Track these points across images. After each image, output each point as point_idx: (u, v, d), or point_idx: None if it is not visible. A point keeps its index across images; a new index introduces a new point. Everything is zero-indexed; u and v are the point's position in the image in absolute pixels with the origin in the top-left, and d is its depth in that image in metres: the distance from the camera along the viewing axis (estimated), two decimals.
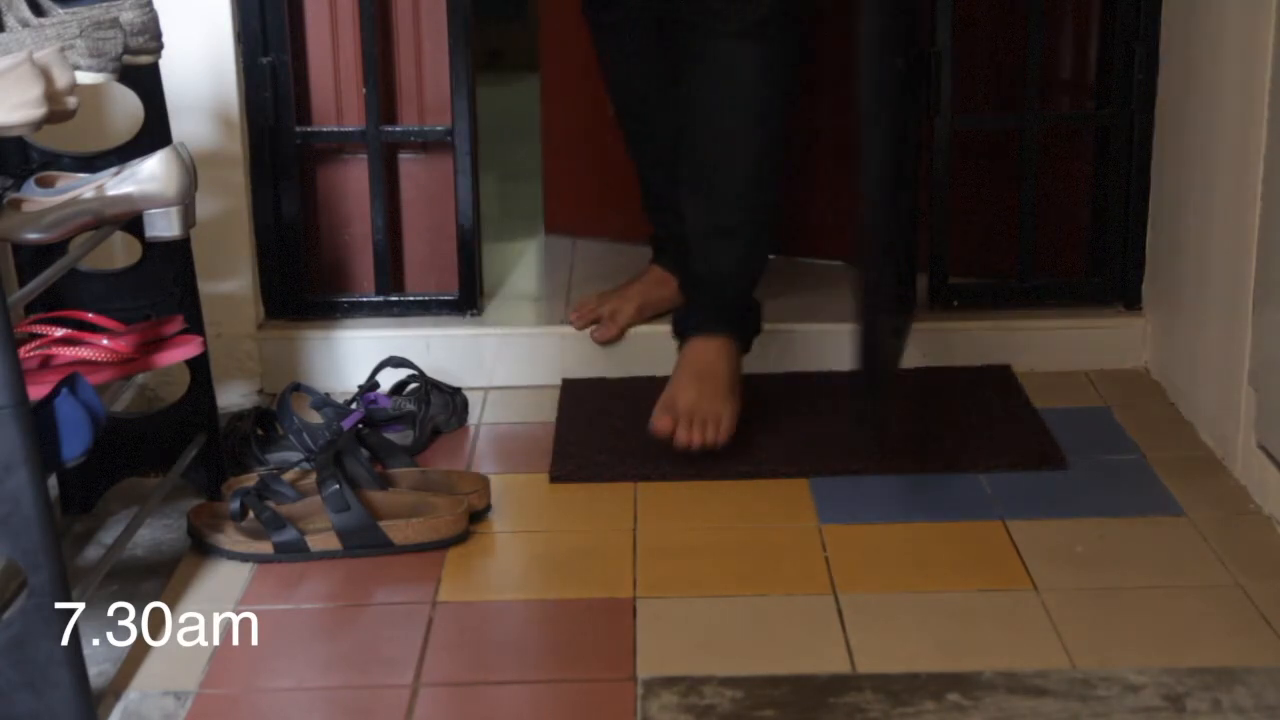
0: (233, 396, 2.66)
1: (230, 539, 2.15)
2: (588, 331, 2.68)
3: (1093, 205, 2.81)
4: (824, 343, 2.75)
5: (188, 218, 2.02)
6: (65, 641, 1.72)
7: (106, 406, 1.98)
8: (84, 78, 1.87)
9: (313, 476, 2.22)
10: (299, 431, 2.41)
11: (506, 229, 3.29)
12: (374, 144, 2.71)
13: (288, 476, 2.24)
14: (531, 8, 4.31)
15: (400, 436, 2.45)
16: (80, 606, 1.78)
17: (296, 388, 2.50)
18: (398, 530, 2.14)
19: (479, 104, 2.70)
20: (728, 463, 2.40)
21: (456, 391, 2.58)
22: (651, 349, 2.73)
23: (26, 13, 1.86)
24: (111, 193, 1.96)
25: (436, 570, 2.12)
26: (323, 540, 2.14)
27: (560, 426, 2.53)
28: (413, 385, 2.54)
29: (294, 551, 2.13)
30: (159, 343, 2.09)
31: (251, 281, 2.71)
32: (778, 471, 2.37)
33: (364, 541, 2.14)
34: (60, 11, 1.88)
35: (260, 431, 2.44)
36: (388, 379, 2.55)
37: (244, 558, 2.14)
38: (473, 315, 2.77)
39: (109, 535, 2.22)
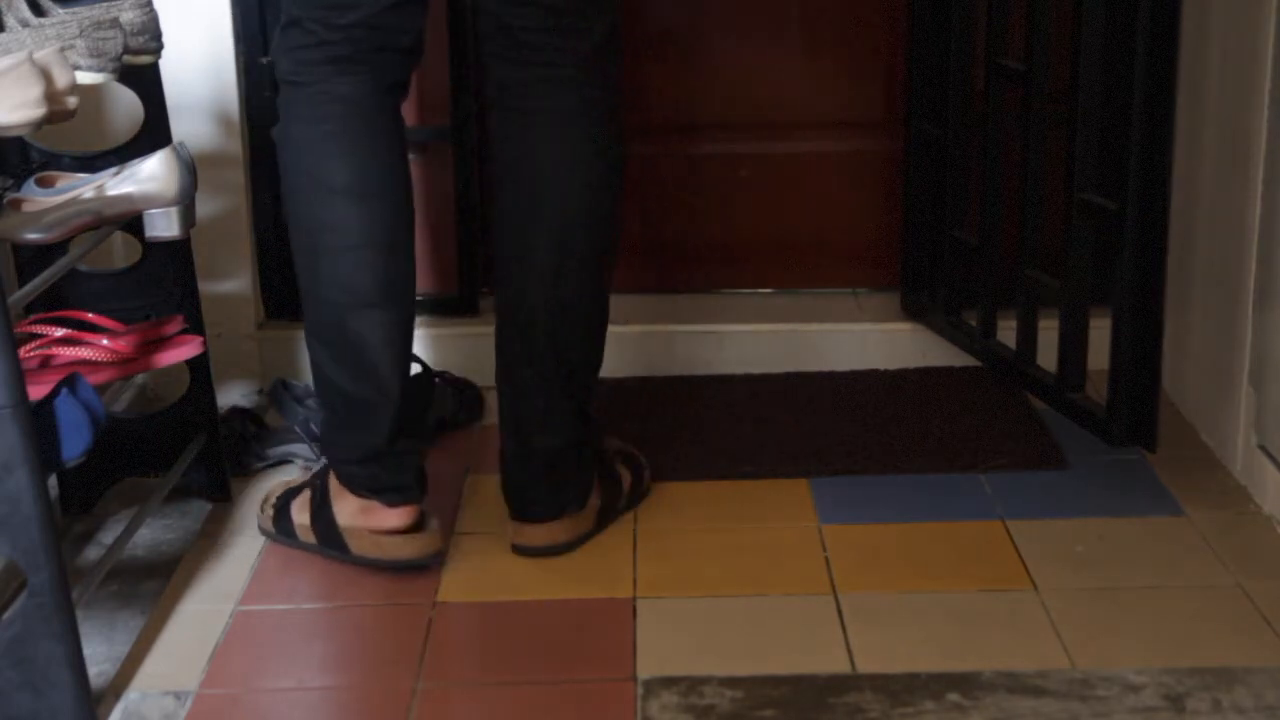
0: (233, 396, 2.66)
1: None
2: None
3: (1091, 205, 2.80)
4: (824, 343, 2.75)
5: (188, 218, 2.02)
6: (65, 641, 1.72)
7: (106, 406, 1.98)
8: (84, 78, 1.87)
9: None
10: (305, 422, 2.40)
11: None
12: None
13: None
14: None
15: None
16: (80, 607, 1.78)
17: (284, 384, 2.50)
18: (352, 537, 2.13)
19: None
20: (728, 463, 2.40)
21: (469, 386, 2.58)
22: (651, 349, 2.73)
23: (26, 13, 1.86)
24: (111, 193, 1.96)
25: (437, 570, 2.12)
26: (307, 532, 2.15)
27: None
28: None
29: (287, 536, 2.17)
30: (159, 343, 2.09)
31: (251, 281, 2.71)
32: (778, 471, 2.37)
33: (331, 543, 2.13)
34: (60, 11, 1.88)
35: (253, 428, 2.44)
36: None
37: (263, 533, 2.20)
38: (472, 315, 2.77)
39: (109, 535, 2.22)
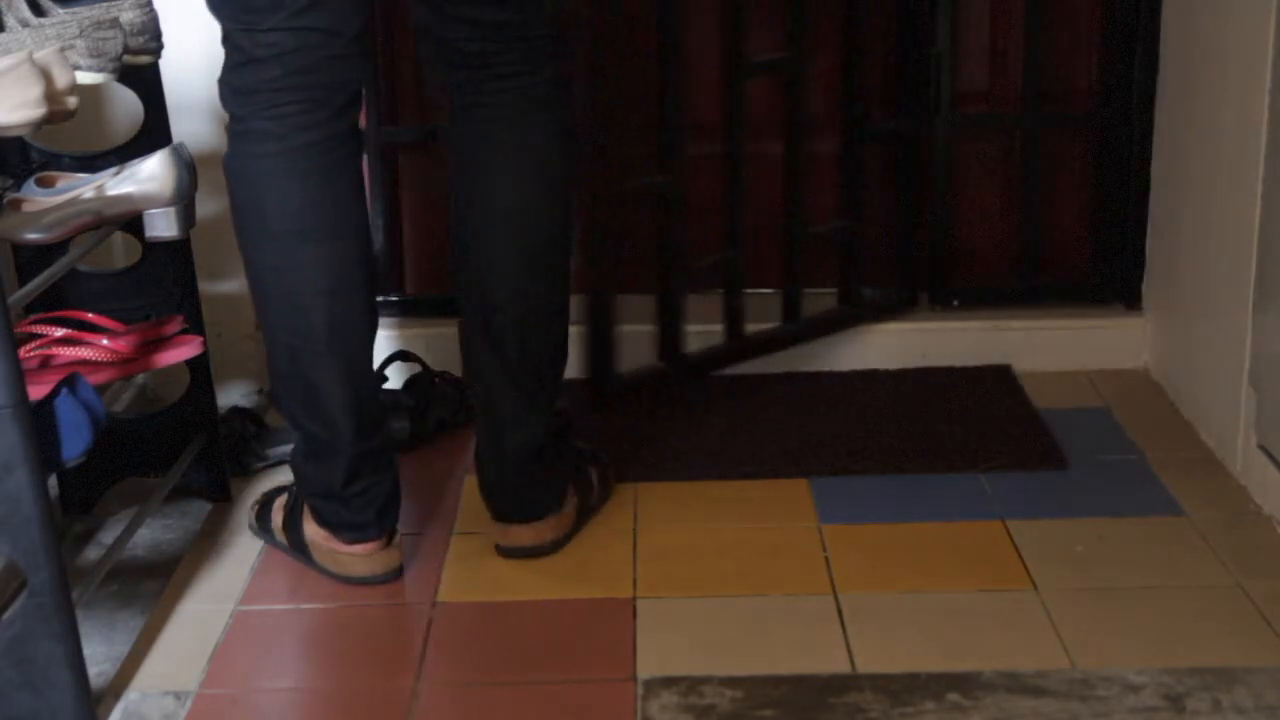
0: (233, 396, 2.66)
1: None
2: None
3: (1093, 205, 2.81)
4: (824, 343, 2.75)
5: (188, 218, 2.02)
6: (65, 641, 1.72)
7: (106, 406, 1.98)
8: (84, 78, 1.87)
9: None
10: None
11: None
12: (374, 144, 2.70)
13: None
14: None
15: (396, 430, 2.45)
16: (80, 607, 1.78)
17: None
18: (314, 550, 2.13)
19: None
20: (728, 463, 2.40)
21: (469, 387, 2.58)
22: (651, 349, 2.73)
23: (26, 13, 1.86)
24: (111, 193, 1.96)
25: (437, 570, 2.12)
26: (281, 534, 2.17)
27: None
28: (408, 377, 2.55)
29: (265, 534, 2.19)
30: (159, 343, 2.09)
31: None
32: (778, 471, 2.37)
33: (298, 550, 2.13)
34: (60, 11, 1.88)
35: (253, 428, 2.44)
36: (397, 378, 2.56)
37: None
38: None
39: (109, 535, 2.22)
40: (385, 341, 2.68)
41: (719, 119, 2.65)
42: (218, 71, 2.59)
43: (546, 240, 2.05)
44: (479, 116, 2.02)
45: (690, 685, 1.83)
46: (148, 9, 1.99)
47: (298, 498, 2.13)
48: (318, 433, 2.02)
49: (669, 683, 1.84)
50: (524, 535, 2.14)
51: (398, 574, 2.10)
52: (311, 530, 2.10)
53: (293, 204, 1.92)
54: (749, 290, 2.87)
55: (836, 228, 2.74)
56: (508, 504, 2.14)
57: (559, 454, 2.16)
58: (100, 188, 1.96)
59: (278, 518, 2.16)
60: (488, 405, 2.11)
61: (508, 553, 2.15)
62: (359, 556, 2.08)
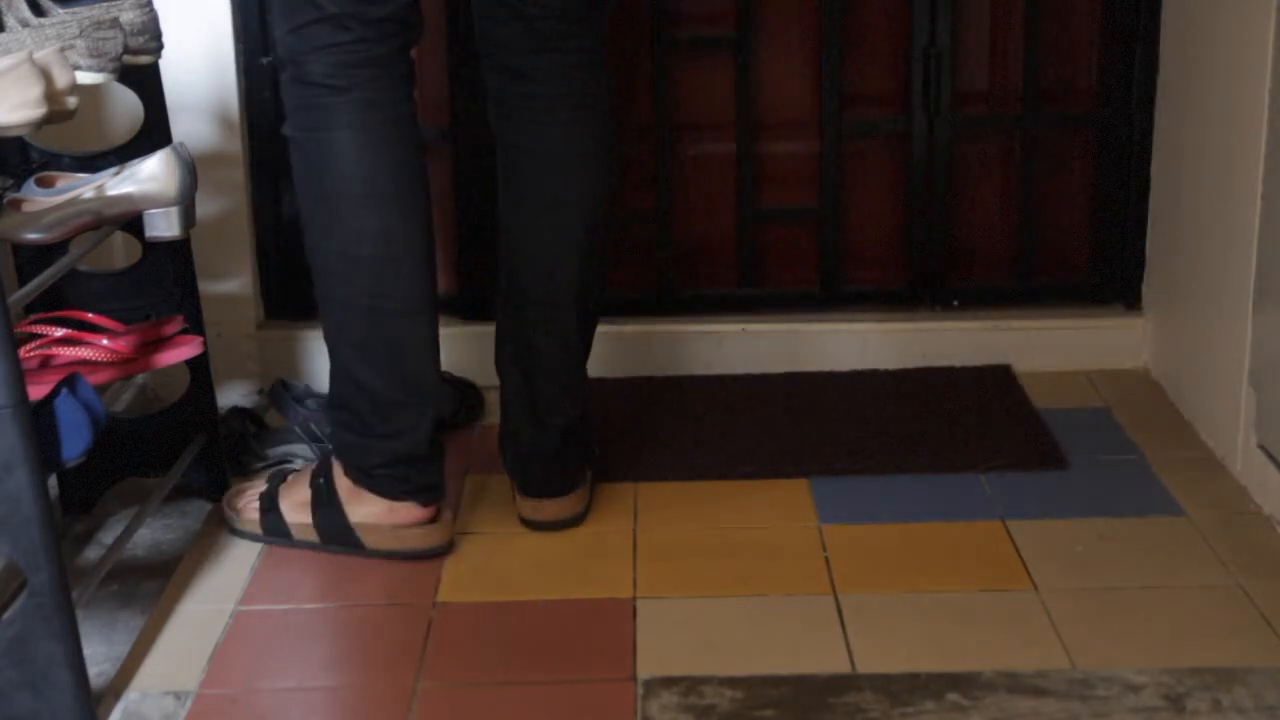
0: (233, 396, 2.66)
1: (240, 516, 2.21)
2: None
3: (1093, 205, 2.81)
4: (824, 343, 2.75)
5: (188, 218, 2.02)
6: (65, 641, 1.72)
7: (106, 406, 1.98)
8: (84, 78, 1.87)
9: None
10: (305, 422, 2.41)
11: None
12: None
13: None
14: None
15: None
16: (80, 607, 1.78)
17: (284, 384, 2.50)
18: (369, 533, 2.13)
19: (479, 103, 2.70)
20: (728, 463, 2.40)
21: (469, 386, 2.58)
22: (652, 350, 2.73)
23: (26, 13, 1.86)
24: (111, 193, 1.96)
25: (436, 570, 2.12)
26: (308, 530, 2.15)
27: None
28: None
29: (277, 535, 2.17)
30: (159, 343, 2.09)
31: (251, 281, 2.71)
32: (778, 471, 2.37)
33: (339, 540, 2.13)
34: (60, 11, 1.88)
35: (253, 428, 2.44)
36: None
37: (239, 534, 2.20)
38: (473, 315, 2.77)
39: (109, 535, 2.22)
40: None
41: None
42: (218, 72, 2.61)
43: (604, 217, 2.14)
44: (547, 104, 2.08)
45: (690, 685, 1.83)
46: (148, 9, 1.99)
47: (328, 489, 2.13)
48: (402, 398, 2.06)
49: (669, 683, 1.84)
50: (558, 508, 2.21)
51: (451, 546, 2.15)
52: (366, 513, 2.12)
53: (396, 170, 2.00)
54: (747, 290, 2.89)
55: (805, 209, 2.80)
56: (542, 480, 2.21)
57: (586, 428, 2.24)
58: (100, 188, 1.96)
59: (300, 515, 2.15)
60: (532, 384, 2.17)
61: (540, 526, 2.21)
62: (422, 530, 2.12)
